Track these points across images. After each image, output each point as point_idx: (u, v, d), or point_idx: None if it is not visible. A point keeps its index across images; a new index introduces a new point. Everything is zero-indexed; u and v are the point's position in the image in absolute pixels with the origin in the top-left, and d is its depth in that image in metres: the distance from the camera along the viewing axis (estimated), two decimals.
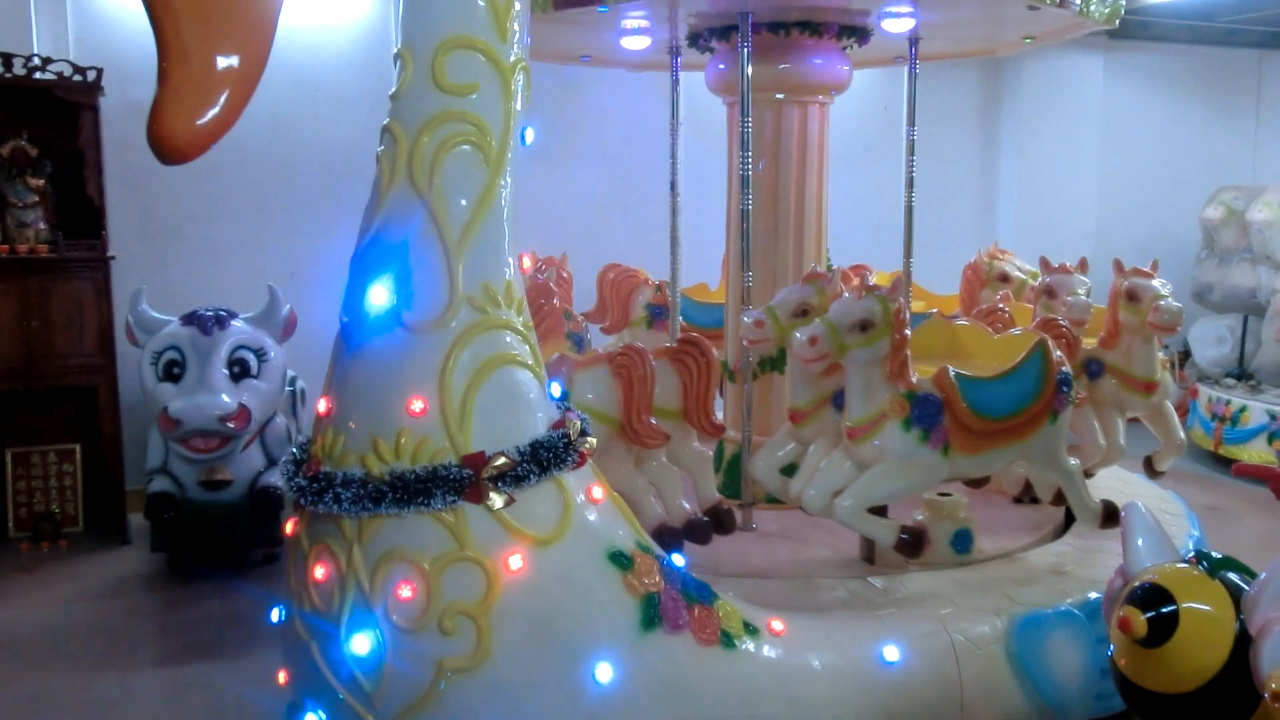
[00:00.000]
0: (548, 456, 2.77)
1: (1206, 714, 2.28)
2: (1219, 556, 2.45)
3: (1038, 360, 3.85)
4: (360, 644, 2.68)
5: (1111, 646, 2.43)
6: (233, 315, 5.29)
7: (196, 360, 5.08)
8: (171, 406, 4.92)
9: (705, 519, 3.98)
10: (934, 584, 3.79)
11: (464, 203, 2.79)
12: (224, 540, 5.29)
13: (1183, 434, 4.93)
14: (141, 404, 5.34)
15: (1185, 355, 9.13)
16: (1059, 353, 3.94)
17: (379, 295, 2.76)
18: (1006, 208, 9.10)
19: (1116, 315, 4.53)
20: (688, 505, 3.98)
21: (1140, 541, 2.52)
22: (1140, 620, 2.26)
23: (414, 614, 2.66)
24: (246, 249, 6.51)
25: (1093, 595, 3.68)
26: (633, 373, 3.75)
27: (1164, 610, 2.27)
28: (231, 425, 4.96)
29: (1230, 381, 8.21)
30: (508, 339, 2.83)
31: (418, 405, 2.70)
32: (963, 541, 4.07)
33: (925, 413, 3.63)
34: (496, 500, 2.69)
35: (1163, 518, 4.55)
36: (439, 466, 2.66)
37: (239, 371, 5.15)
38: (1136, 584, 2.38)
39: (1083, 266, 5.13)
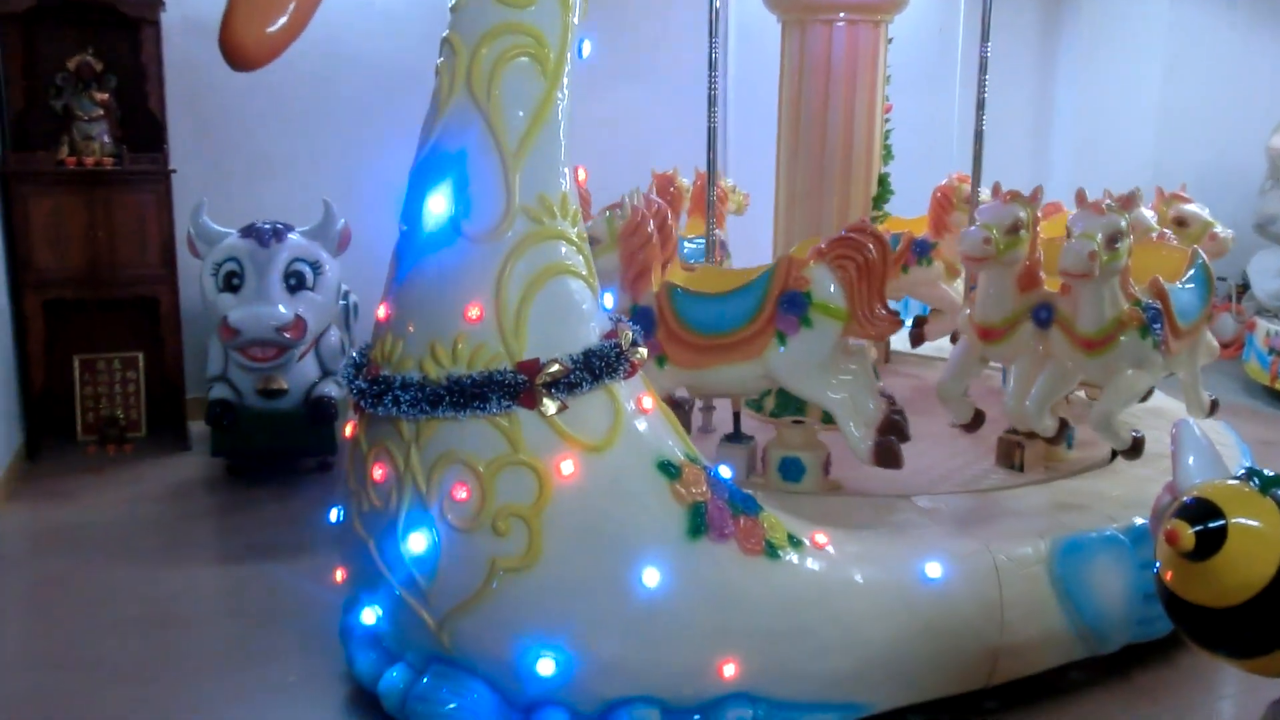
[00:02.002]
0: (600, 365, 2.82)
1: (1251, 629, 2.29)
2: (1271, 474, 2.44)
3: (765, 279, 3.71)
4: (417, 542, 2.79)
5: (1157, 562, 2.45)
6: (289, 229, 5.36)
7: (255, 272, 5.18)
8: (231, 316, 5.03)
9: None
10: (978, 505, 3.81)
11: (521, 114, 2.83)
12: (280, 447, 5.44)
13: (1115, 407, 4.29)
14: (202, 314, 5.45)
15: (1244, 288, 8.94)
16: (810, 272, 3.66)
17: (437, 204, 2.82)
18: (1062, 134, 8.89)
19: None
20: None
21: (1190, 459, 2.51)
22: (1188, 533, 2.27)
23: (468, 514, 2.75)
24: (303, 164, 6.56)
25: (1138, 520, 3.67)
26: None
27: (1212, 525, 2.27)
28: (288, 335, 5.07)
29: None
30: (562, 249, 2.88)
31: (474, 312, 2.76)
32: (793, 470, 3.99)
33: (639, 324, 3.48)
34: (550, 406, 2.76)
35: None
36: (494, 372, 2.73)
37: (295, 284, 5.24)
38: (1185, 499, 2.39)
39: (1128, 203, 5.07)
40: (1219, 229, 4.54)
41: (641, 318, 3.63)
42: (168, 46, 5.93)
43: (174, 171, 5.87)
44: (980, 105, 5.06)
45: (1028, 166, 8.47)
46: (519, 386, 2.73)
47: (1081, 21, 8.72)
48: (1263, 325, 8.00)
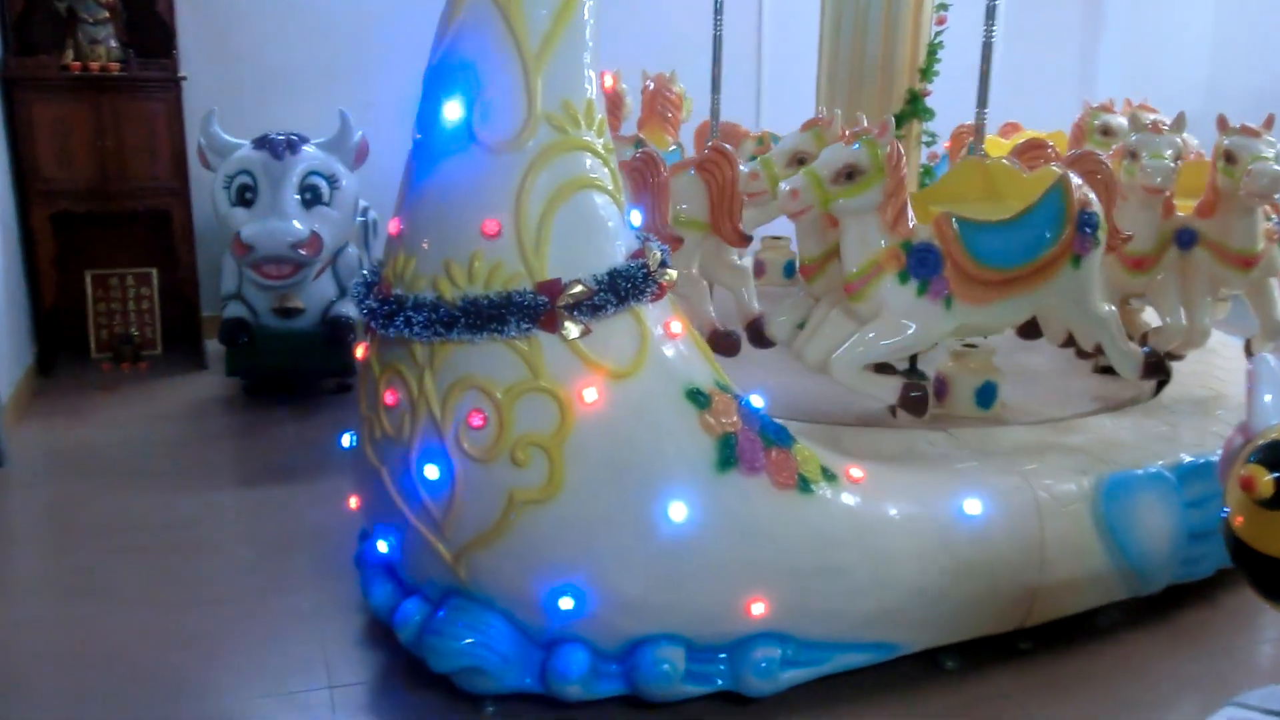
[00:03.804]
0: (626, 287, 2.65)
1: None
2: None
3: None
4: (431, 471, 2.65)
5: (1226, 507, 2.27)
6: (304, 140, 5.17)
7: (269, 185, 5.00)
8: (244, 231, 4.87)
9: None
10: (1019, 439, 3.64)
11: (544, 12, 2.62)
12: (297, 368, 5.32)
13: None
14: (216, 229, 5.29)
15: None
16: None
17: (453, 111, 2.62)
18: (1110, 52, 8.51)
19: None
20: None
21: (1267, 397, 2.32)
22: (1265, 479, 2.09)
23: (485, 443, 2.61)
24: (318, 73, 6.33)
25: (1185, 458, 3.51)
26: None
27: None
28: (303, 252, 4.91)
29: None
30: (588, 161, 2.69)
31: (492, 227, 2.58)
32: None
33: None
34: (572, 330, 2.59)
35: None
36: (513, 292, 2.56)
37: (311, 198, 5.06)
38: (1262, 441, 2.20)
39: (1178, 124, 4.81)
40: (1258, 163, 4.42)
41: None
42: None
43: (184, 79, 5.68)
44: (990, 12, 4.75)
45: (1073, 89, 8.11)
46: (539, 308, 2.56)
47: None
48: None
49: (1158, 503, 3.36)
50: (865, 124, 3.52)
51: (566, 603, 2.69)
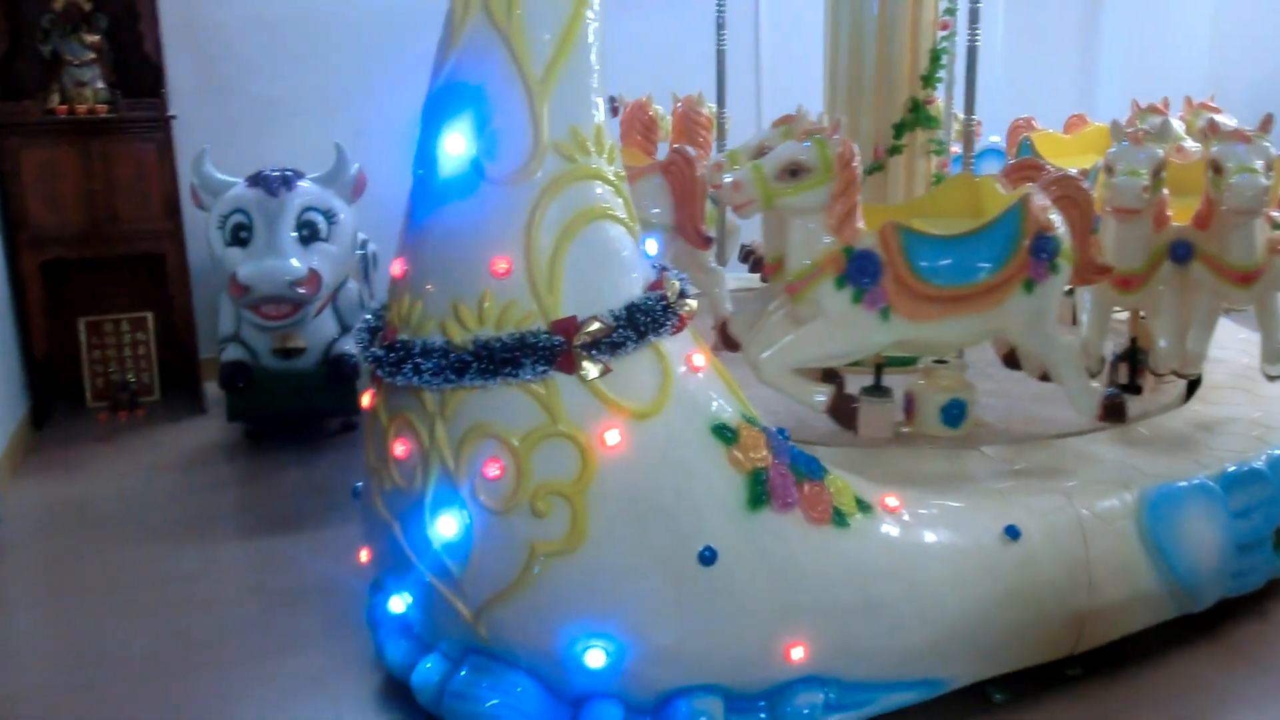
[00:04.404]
0: (645, 321, 2.51)
1: None
2: None
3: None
4: (446, 526, 2.51)
5: None
6: (299, 175, 5.04)
7: (264, 223, 4.86)
8: (240, 272, 4.73)
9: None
10: (1057, 454, 3.50)
11: (548, 37, 2.50)
12: (300, 409, 5.17)
13: None
14: (212, 270, 5.15)
15: None
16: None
17: (455, 144, 2.49)
18: (1113, 43, 8.39)
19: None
20: None
21: None
22: None
23: (503, 494, 2.47)
24: (312, 106, 6.20)
25: (1230, 467, 3.37)
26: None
27: None
28: (302, 290, 4.77)
29: None
30: (599, 190, 2.56)
31: (502, 265, 2.45)
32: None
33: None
34: (591, 370, 2.45)
35: None
36: (527, 333, 2.43)
37: (308, 234, 4.93)
38: None
39: (1165, 105, 4.68)
40: (1239, 178, 4.28)
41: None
42: None
43: (174, 118, 5.55)
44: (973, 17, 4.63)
45: (1074, 81, 8.00)
46: (555, 349, 2.42)
47: None
48: None
49: (1204, 515, 3.23)
50: (824, 124, 3.35)
51: (595, 657, 2.55)
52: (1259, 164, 3.40)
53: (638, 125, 5.54)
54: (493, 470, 2.45)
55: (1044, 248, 3.28)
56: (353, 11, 6.20)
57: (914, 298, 3.26)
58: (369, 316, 2.78)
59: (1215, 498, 3.27)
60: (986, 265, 3.29)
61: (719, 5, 4.56)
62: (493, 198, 2.47)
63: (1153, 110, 4.80)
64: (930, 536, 2.91)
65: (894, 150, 4.13)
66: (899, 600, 2.78)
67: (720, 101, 4.64)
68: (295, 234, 4.89)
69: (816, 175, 3.18)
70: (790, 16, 6.90)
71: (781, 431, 2.83)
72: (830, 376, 3.58)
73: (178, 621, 3.59)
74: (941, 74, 4.44)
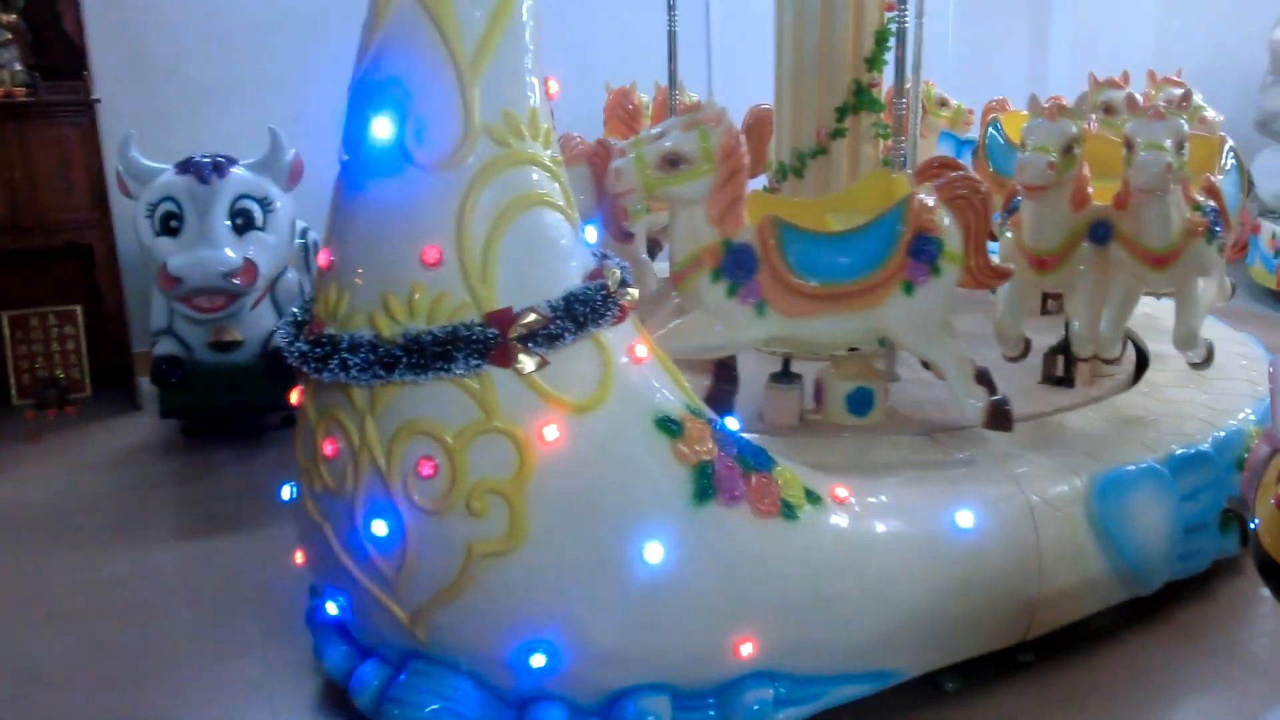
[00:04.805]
0: (584, 311, 2.42)
1: None
2: None
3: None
4: (378, 527, 2.40)
5: (1255, 522, 2.09)
6: (233, 162, 4.87)
7: (195, 212, 4.70)
8: (170, 263, 4.57)
9: None
10: (1004, 441, 3.46)
11: (478, 15, 2.39)
12: (238, 404, 5.01)
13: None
14: (144, 260, 4.97)
15: (1248, 188, 8.59)
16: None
17: (382, 128, 2.38)
18: (1061, 28, 8.41)
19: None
20: None
21: None
22: None
23: (438, 493, 2.37)
24: (248, 89, 5.99)
25: (1177, 450, 3.36)
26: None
27: None
28: (237, 281, 4.61)
29: None
30: (534, 176, 2.46)
31: (433, 255, 2.35)
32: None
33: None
34: (527, 363, 2.35)
35: (1238, 362, 4.29)
36: (460, 325, 2.32)
37: (242, 223, 4.77)
38: None
39: (1125, 79, 4.67)
40: (1209, 112, 4.30)
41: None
42: None
43: (98, 101, 5.33)
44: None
45: (1024, 64, 8.02)
46: (489, 341, 2.32)
47: None
48: (1268, 227, 7.68)
49: (1152, 499, 3.23)
50: (710, 112, 3.20)
51: (538, 659, 2.47)
52: (1168, 142, 3.33)
53: (620, 113, 5.46)
54: (426, 469, 2.35)
55: (924, 249, 3.19)
56: None
57: (789, 293, 3.20)
58: (295, 310, 2.65)
59: (1164, 481, 3.26)
60: (863, 264, 3.22)
61: None
62: (422, 184, 2.36)
63: (1111, 84, 4.77)
64: (880, 527, 2.85)
65: (836, 134, 4.05)
66: (849, 592, 2.73)
67: (671, 83, 4.55)
68: (229, 223, 4.73)
69: (697, 166, 3.09)
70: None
71: (723, 423, 2.75)
72: (724, 367, 3.51)
73: (109, 629, 3.45)
74: (888, 56, 4.35)
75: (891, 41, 4.14)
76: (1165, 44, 8.52)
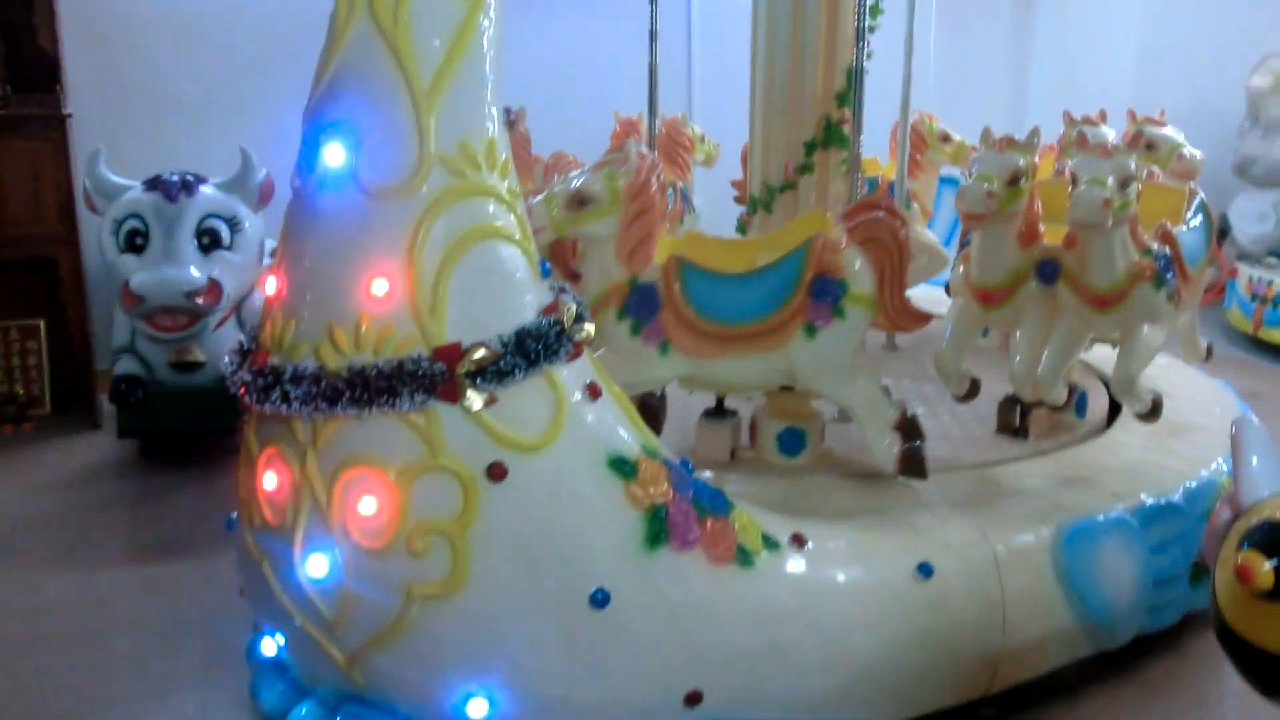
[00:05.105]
0: (536, 347, 2.35)
1: None
2: None
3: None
4: (317, 565, 2.32)
5: (1214, 589, 2.03)
6: (202, 180, 4.81)
7: (161, 230, 4.62)
8: (133, 281, 4.49)
9: None
10: (972, 486, 3.41)
11: (436, 43, 2.34)
12: (198, 426, 4.92)
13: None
14: (109, 277, 4.89)
15: (1224, 232, 8.61)
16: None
17: (334, 155, 2.32)
18: (1041, 72, 8.46)
19: None
20: None
21: (1255, 462, 2.07)
22: (1264, 570, 1.83)
23: (378, 532, 2.30)
24: (223, 107, 5.96)
25: (1147, 500, 3.31)
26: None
27: None
28: (200, 301, 4.54)
29: (1272, 261, 7.75)
30: (490, 208, 2.40)
31: (381, 287, 2.28)
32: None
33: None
34: (475, 400, 2.29)
35: (1212, 409, 4.25)
36: (406, 360, 2.26)
37: (209, 242, 4.70)
38: (1255, 521, 1.94)
39: (1102, 117, 4.64)
40: (1186, 150, 4.27)
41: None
42: None
43: (69, 116, 5.27)
44: (909, 44, 4.54)
45: (1005, 106, 8.04)
46: (436, 377, 2.25)
47: None
48: (1244, 271, 7.70)
49: (1121, 550, 3.17)
50: (633, 153, 3.20)
51: (478, 707, 2.38)
52: (1110, 179, 3.23)
53: (670, 145, 5.45)
54: (367, 506, 2.28)
55: (826, 290, 3.14)
56: (266, 7, 5.97)
57: (691, 333, 3.16)
58: (242, 338, 2.58)
59: (1133, 532, 3.21)
60: (764, 305, 3.19)
61: (652, 16, 4.44)
62: (373, 213, 2.30)
63: (1088, 121, 4.75)
64: (840, 575, 2.78)
65: (804, 169, 4.01)
66: (805, 643, 2.65)
67: (651, 114, 4.52)
68: (195, 242, 4.66)
69: (603, 206, 3.08)
70: (721, 29, 6.80)
71: (685, 463, 2.69)
72: (645, 406, 3.45)
73: (43, 659, 3.34)
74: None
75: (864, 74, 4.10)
76: (1144, 88, 8.55)
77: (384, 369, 2.24)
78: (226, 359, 2.54)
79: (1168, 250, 3.51)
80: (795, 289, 3.15)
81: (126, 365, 4.81)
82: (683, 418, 3.75)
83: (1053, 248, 3.59)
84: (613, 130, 5.60)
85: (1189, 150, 4.28)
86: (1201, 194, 3.88)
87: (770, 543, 2.68)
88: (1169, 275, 3.47)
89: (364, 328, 2.27)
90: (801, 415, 3.59)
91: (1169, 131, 4.30)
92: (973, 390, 3.85)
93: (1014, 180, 3.43)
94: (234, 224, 4.77)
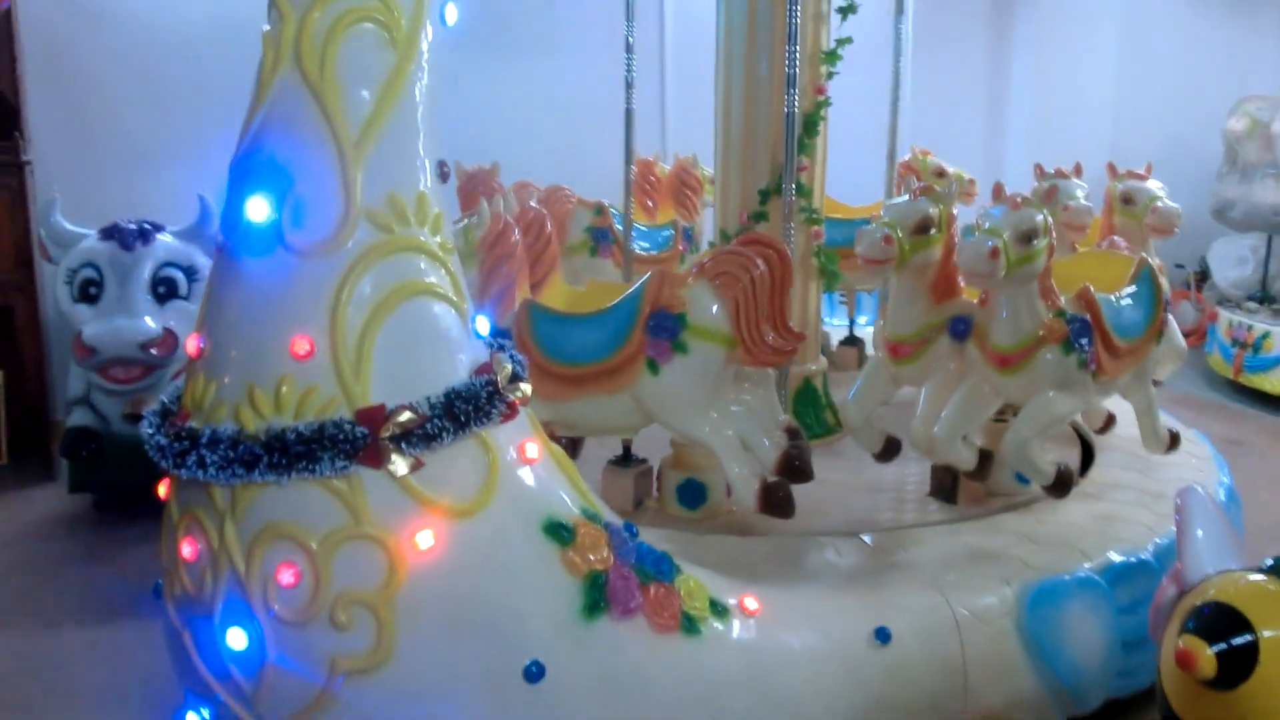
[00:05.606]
0: (466, 409, 2.26)
1: None
2: None
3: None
4: (236, 638, 2.21)
5: (1160, 672, 1.93)
6: (159, 228, 4.75)
7: (116, 279, 4.56)
8: (85, 332, 4.42)
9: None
10: (935, 544, 3.32)
11: (365, 95, 2.27)
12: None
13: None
14: (64, 327, 4.81)
15: (1203, 276, 8.59)
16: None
17: (258, 209, 2.24)
18: (1018, 117, 8.48)
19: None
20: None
21: (1200, 535, 1.97)
22: (1207, 656, 1.73)
23: (299, 603, 2.19)
24: (187, 153, 5.86)
25: (1116, 559, 3.23)
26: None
27: (1237, 641, 1.74)
28: (155, 352, 4.46)
29: (1252, 305, 7.71)
30: (420, 264, 2.32)
31: (303, 346, 2.19)
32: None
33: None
34: (400, 465, 2.19)
35: (1188, 460, 4.16)
36: (327, 423, 2.16)
37: (166, 291, 4.64)
38: (1199, 602, 1.84)
39: (1078, 171, 4.59)
40: (1161, 203, 4.20)
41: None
42: (23, 17, 5.26)
43: (28, 163, 5.21)
44: (895, 86, 4.51)
45: (982, 152, 8.03)
46: (358, 441, 2.15)
47: (1034, 2, 8.31)
48: (1224, 315, 7.66)
49: (1088, 611, 3.09)
50: (486, 210, 3.31)
51: None
52: (1007, 231, 3.11)
53: (677, 185, 5.50)
54: (287, 576, 2.17)
55: (662, 326, 3.13)
56: (233, 53, 5.90)
57: (540, 376, 3.11)
58: (164, 398, 2.49)
59: (1100, 592, 3.13)
60: (607, 344, 3.19)
61: (628, 63, 4.42)
62: (296, 270, 2.21)
63: (1060, 175, 4.70)
64: (793, 640, 2.69)
65: (757, 216, 3.96)
66: (753, 712, 2.55)
67: (628, 160, 4.49)
68: (151, 291, 4.59)
69: (463, 259, 3.03)
70: (693, 76, 6.81)
71: (629, 527, 2.59)
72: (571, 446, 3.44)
73: None
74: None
75: (820, 126, 4.07)
76: (1122, 133, 8.58)
77: (304, 432, 2.15)
78: (145, 421, 2.44)
79: (1085, 316, 3.34)
80: (634, 326, 3.15)
81: (80, 418, 4.70)
82: (594, 465, 3.68)
83: (967, 303, 3.47)
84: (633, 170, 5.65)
85: (1162, 203, 4.19)
86: (1153, 263, 3.70)
87: (718, 608, 2.58)
88: (1083, 341, 3.31)
89: (284, 389, 2.18)
90: (702, 468, 3.52)
91: (1150, 184, 4.23)
92: (889, 449, 3.71)
93: (922, 229, 3.31)
94: (191, 273, 4.71)
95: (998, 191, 3.40)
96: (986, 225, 3.15)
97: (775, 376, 3.71)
